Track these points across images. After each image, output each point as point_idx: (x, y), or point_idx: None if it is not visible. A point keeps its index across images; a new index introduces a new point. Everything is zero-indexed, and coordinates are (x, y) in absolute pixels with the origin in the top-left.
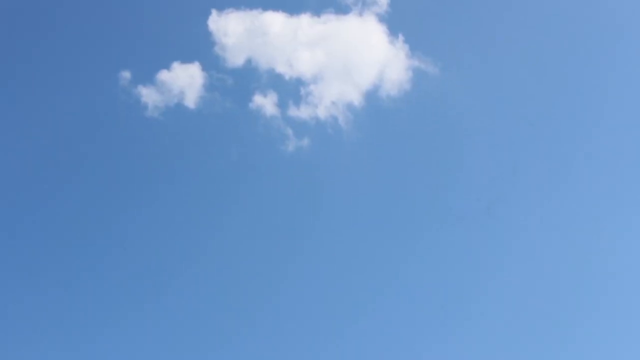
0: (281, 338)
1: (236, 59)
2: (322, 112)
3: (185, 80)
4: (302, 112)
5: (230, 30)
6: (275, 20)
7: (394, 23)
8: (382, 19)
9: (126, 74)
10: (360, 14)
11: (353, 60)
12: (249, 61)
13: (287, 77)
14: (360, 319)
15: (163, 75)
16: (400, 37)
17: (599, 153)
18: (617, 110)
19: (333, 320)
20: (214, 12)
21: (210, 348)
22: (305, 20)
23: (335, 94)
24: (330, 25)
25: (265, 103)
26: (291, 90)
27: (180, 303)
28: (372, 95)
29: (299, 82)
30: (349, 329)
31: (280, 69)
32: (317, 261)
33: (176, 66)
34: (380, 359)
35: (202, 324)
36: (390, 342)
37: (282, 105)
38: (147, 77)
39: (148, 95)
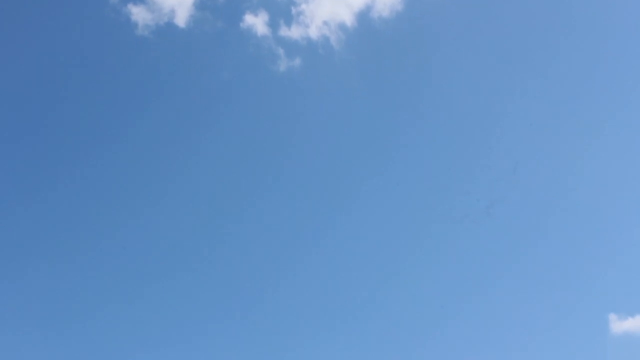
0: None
1: None
2: (313, 32)
3: None
4: (293, 32)
5: None
6: None
7: None
8: None
9: None
10: None
11: None
12: None
13: None
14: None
15: None
16: None
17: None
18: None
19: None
20: None
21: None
22: None
23: (327, 14)
24: None
25: (256, 22)
26: (282, 9)
27: (164, 219)
28: (364, 16)
29: (290, 2)
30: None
31: None
32: (306, 178)
33: None
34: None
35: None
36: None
37: (273, 24)
38: None
39: (138, 13)
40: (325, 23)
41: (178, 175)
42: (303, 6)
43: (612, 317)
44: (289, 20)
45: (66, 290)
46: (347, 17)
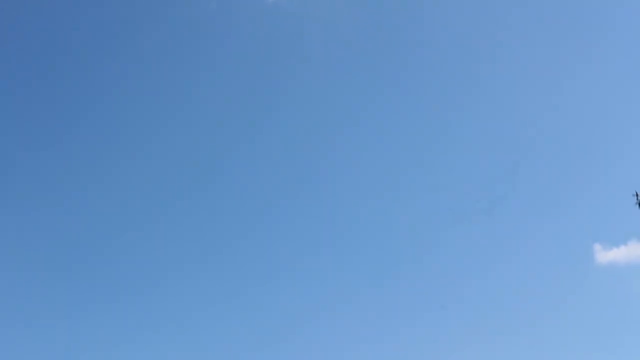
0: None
1: None
2: None
3: None
4: None
5: None
6: None
7: None
8: None
9: None
10: None
11: None
12: None
13: None
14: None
15: None
16: None
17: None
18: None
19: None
20: None
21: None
22: None
23: None
24: None
25: None
26: None
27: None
28: None
29: None
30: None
31: None
32: (300, 108)
33: None
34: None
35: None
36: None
37: None
38: None
39: None
40: None
41: (169, 105)
42: None
43: (597, 247)
44: None
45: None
46: None
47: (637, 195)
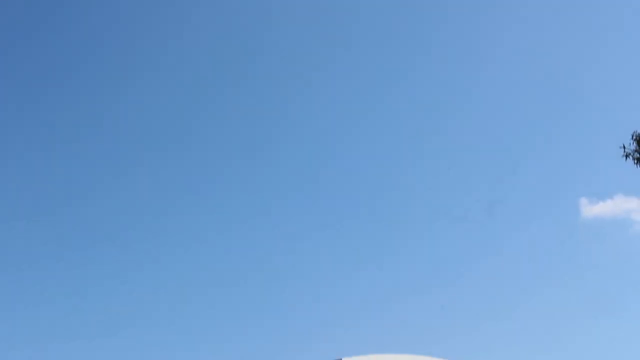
0: None
1: None
2: None
3: None
4: None
5: None
6: None
7: None
8: None
9: None
10: None
11: None
12: None
13: None
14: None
15: None
16: None
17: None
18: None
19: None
20: None
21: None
22: None
23: None
24: None
25: None
26: None
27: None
28: None
29: None
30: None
31: None
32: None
33: None
34: None
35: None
36: None
37: None
38: None
39: None
40: None
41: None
42: None
43: (583, 201)
44: None
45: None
46: None
47: (624, 147)
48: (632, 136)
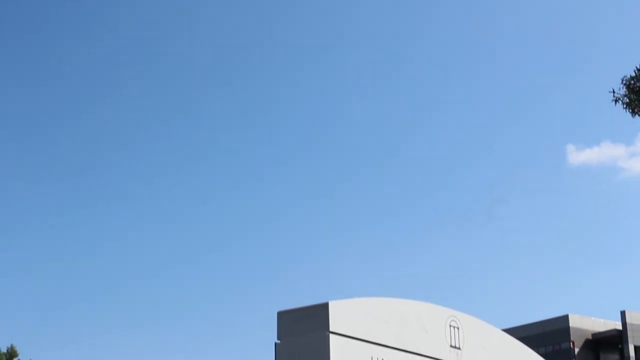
0: None
1: None
2: None
3: None
4: None
5: None
6: None
7: None
8: None
9: None
10: None
11: None
12: None
13: None
14: None
15: None
16: None
17: None
18: None
19: None
20: None
21: None
22: None
23: None
24: None
25: None
26: None
27: None
28: None
29: None
30: None
31: None
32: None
33: None
34: None
35: None
36: None
37: None
38: None
39: None
40: None
41: None
42: None
43: (570, 148)
44: None
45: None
46: None
47: (613, 91)
48: (622, 80)
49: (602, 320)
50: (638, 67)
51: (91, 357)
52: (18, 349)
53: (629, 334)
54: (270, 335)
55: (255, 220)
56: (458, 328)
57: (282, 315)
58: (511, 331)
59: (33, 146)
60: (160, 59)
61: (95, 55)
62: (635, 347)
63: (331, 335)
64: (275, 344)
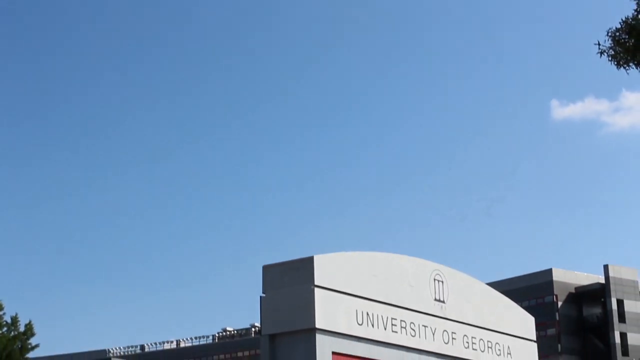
0: None
1: None
2: None
3: None
4: None
5: None
6: None
7: None
8: None
9: None
10: None
11: None
12: None
13: None
14: None
15: None
16: None
17: None
18: None
19: None
20: None
21: None
22: None
23: None
24: None
25: None
26: None
27: None
28: None
29: None
30: None
31: None
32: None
33: None
34: None
35: None
36: None
37: None
38: None
39: None
40: None
41: None
42: None
43: (554, 103)
44: None
45: None
46: None
47: (598, 43)
48: (607, 33)
49: (585, 274)
50: (623, 19)
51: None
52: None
53: (612, 287)
54: (256, 289)
55: (242, 168)
56: (442, 282)
57: (267, 269)
58: (495, 285)
59: None
60: None
61: None
62: (618, 301)
63: (316, 289)
64: (261, 297)
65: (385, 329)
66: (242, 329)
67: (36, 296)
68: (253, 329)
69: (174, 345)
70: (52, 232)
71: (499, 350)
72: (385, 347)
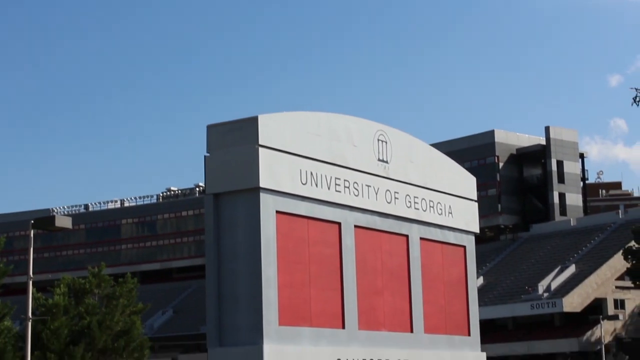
0: None
1: None
2: None
3: None
4: None
5: None
6: None
7: None
8: None
9: None
10: None
11: None
12: None
13: None
14: None
15: None
16: None
17: None
18: None
19: None
20: None
21: None
22: None
23: None
24: None
25: None
26: None
27: None
28: None
29: None
30: None
31: None
32: None
33: None
34: None
35: None
36: None
37: None
38: None
39: None
40: None
41: None
42: None
43: None
44: None
45: None
46: None
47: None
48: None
49: (527, 135)
50: None
51: None
52: None
53: (552, 149)
54: (201, 149)
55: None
56: (386, 142)
57: (211, 129)
58: (438, 146)
59: None
60: None
61: None
62: (558, 162)
63: (260, 149)
64: (205, 156)
65: (329, 188)
66: (186, 189)
67: None
68: (197, 189)
69: (117, 205)
70: None
71: (441, 209)
72: (329, 206)
